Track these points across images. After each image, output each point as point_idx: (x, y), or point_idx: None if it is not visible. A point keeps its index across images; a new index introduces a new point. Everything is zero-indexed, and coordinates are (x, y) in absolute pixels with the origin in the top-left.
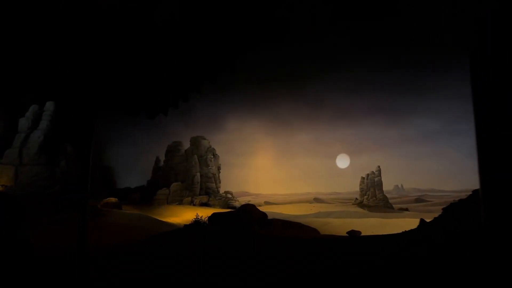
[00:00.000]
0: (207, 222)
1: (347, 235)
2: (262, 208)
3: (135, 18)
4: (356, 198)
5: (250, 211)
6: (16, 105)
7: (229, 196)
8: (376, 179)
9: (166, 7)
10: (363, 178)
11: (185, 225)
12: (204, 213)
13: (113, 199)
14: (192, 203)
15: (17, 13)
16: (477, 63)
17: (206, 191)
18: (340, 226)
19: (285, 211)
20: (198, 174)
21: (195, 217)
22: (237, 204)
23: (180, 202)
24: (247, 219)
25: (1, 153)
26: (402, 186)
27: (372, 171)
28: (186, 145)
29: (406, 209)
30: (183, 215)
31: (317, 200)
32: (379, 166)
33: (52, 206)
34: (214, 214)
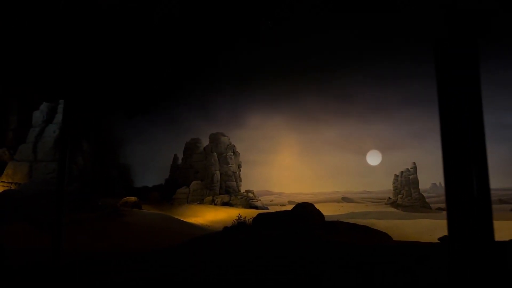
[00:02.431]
0: (251, 223)
1: (438, 241)
2: (286, 208)
3: (135, 18)
4: (389, 198)
5: (309, 211)
6: (30, 98)
7: (251, 195)
8: (411, 176)
9: (167, 5)
10: (396, 176)
11: (226, 228)
12: (227, 213)
13: (132, 198)
14: (213, 203)
15: (24, 12)
16: (442, 54)
17: (226, 190)
18: (389, 228)
19: None
20: (218, 172)
21: (236, 218)
22: (259, 204)
23: (201, 202)
24: (306, 220)
25: (14, 149)
26: (440, 184)
27: (407, 168)
28: (205, 142)
29: (445, 209)
30: (205, 215)
31: (345, 199)
32: (414, 163)
33: (69, 206)
34: (260, 215)
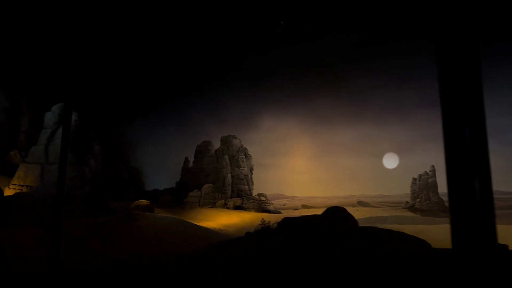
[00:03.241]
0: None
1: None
2: (299, 212)
3: (144, 19)
4: (407, 202)
5: (340, 215)
6: (41, 99)
7: (263, 198)
8: (430, 180)
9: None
10: (414, 179)
11: (248, 233)
12: (240, 217)
13: (145, 202)
14: (225, 206)
15: (30, 13)
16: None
17: (238, 193)
18: (416, 234)
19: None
20: (229, 175)
21: (260, 222)
22: (271, 208)
23: (213, 205)
24: (337, 226)
25: (26, 151)
26: None
27: (425, 171)
28: (217, 144)
29: None
30: (218, 219)
31: (361, 203)
32: (433, 166)
33: (82, 209)
34: (286, 219)
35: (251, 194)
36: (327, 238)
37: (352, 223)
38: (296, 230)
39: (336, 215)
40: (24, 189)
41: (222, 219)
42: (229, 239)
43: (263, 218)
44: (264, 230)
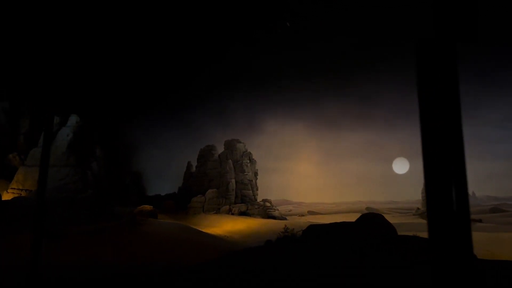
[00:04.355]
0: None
1: None
2: (305, 218)
3: (150, 21)
4: (418, 208)
5: (376, 223)
6: (42, 101)
7: (268, 204)
8: None
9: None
10: None
11: (269, 241)
12: (245, 223)
13: (148, 207)
14: (230, 212)
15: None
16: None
17: (242, 198)
18: None
19: (332, 222)
20: (233, 180)
21: (283, 229)
22: (276, 214)
23: (217, 211)
24: (373, 234)
25: (25, 153)
26: (474, 193)
27: None
28: (220, 149)
29: (479, 221)
30: (223, 225)
31: (370, 209)
32: None
33: (84, 214)
34: (312, 227)
35: (255, 199)
36: (364, 249)
37: (389, 232)
38: (325, 239)
39: (371, 222)
40: (23, 193)
41: (227, 225)
42: (246, 248)
43: (286, 225)
44: (287, 238)
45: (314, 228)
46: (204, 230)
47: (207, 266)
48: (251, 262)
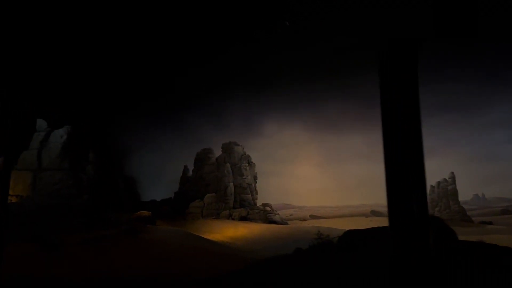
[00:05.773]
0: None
1: None
2: (307, 223)
3: (146, 23)
4: None
5: (435, 228)
6: (33, 100)
7: (268, 209)
8: (449, 187)
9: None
10: (433, 187)
11: (299, 249)
12: (247, 228)
13: (145, 213)
14: (230, 217)
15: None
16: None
17: (241, 203)
18: None
19: (336, 226)
20: (232, 184)
21: (316, 236)
22: (277, 218)
23: (217, 216)
24: (434, 242)
25: (16, 157)
26: (483, 195)
27: (444, 178)
28: (218, 152)
29: (490, 223)
30: (224, 231)
31: (375, 213)
32: (452, 172)
33: (80, 221)
34: (350, 232)
35: (255, 204)
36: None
37: (453, 238)
38: (368, 247)
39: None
40: (14, 199)
41: (229, 231)
42: (270, 257)
43: (319, 231)
44: (322, 246)
45: (353, 234)
46: (205, 237)
47: (230, 279)
48: (283, 278)
